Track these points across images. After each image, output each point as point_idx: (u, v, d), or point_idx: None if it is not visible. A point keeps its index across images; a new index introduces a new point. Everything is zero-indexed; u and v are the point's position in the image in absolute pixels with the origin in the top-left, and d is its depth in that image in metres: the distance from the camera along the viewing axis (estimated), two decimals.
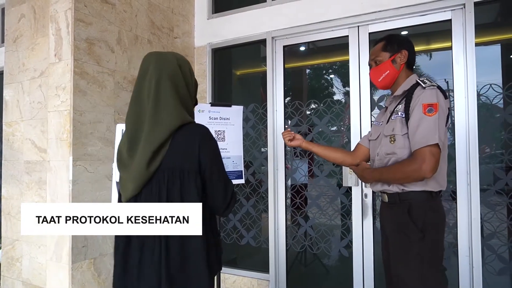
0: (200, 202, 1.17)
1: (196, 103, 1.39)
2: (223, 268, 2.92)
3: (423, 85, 1.54)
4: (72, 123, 2.24)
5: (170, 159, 1.17)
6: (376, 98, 2.72)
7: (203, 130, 1.23)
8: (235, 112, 2.62)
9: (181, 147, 1.18)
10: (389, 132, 1.64)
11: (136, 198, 1.20)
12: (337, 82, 3.19)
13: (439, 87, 1.56)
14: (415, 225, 1.51)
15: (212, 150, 1.24)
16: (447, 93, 1.61)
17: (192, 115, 1.31)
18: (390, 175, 1.59)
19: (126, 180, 1.20)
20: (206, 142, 1.21)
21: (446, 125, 1.55)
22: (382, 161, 1.69)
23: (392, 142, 1.62)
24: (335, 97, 3.07)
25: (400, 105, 1.63)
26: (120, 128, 2.01)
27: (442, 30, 2.60)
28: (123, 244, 1.20)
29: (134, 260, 1.18)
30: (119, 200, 1.27)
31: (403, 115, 1.58)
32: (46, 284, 2.32)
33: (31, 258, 2.53)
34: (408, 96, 1.59)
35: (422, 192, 1.54)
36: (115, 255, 1.24)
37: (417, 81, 1.60)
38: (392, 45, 1.70)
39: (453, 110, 2.43)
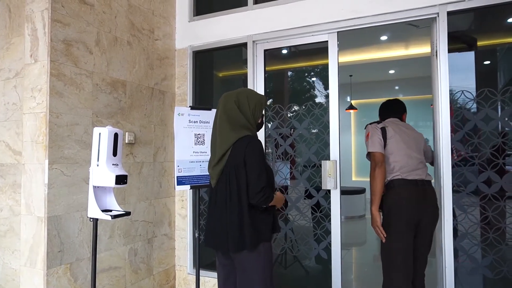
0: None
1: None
2: (202, 271, 2.92)
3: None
4: (48, 126, 2.20)
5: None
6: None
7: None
8: None
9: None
10: None
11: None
12: (318, 85, 3.24)
13: (372, 123, 2.34)
14: (382, 209, 2.24)
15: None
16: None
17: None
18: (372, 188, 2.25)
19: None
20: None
21: (387, 137, 2.24)
22: None
23: None
24: (316, 100, 3.11)
25: None
26: (98, 131, 1.98)
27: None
28: None
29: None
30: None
31: None
32: None
33: (4, 264, 2.46)
34: None
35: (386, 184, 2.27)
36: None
37: None
38: None
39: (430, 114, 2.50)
